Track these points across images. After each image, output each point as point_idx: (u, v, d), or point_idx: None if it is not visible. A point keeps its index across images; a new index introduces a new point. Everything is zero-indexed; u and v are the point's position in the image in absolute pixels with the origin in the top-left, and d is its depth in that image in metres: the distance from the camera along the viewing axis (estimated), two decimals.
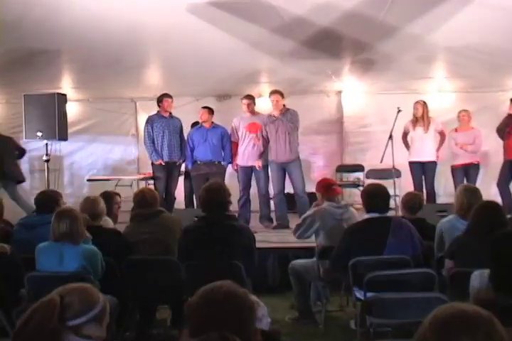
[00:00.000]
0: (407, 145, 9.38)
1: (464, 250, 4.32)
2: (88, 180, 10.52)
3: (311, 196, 8.69)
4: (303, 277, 5.73)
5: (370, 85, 10.65)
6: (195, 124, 9.56)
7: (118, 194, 6.21)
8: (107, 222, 5.56)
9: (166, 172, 9.02)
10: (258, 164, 8.76)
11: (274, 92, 8.58)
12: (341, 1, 6.39)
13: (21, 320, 2.24)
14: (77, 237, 4.48)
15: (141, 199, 5.37)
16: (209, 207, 4.87)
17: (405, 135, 9.36)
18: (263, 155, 8.79)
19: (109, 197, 5.85)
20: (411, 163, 9.25)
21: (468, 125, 9.44)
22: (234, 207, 7.73)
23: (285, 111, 8.53)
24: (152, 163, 9.09)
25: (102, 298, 2.36)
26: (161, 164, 8.93)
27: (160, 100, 9.03)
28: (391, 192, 5.15)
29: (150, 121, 9.07)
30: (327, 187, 5.78)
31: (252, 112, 8.99)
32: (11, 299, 4.33)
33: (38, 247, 4.54)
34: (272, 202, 8.98)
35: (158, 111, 9.12)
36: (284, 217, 8.74)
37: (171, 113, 9.13)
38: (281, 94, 8.53)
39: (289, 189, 9.03)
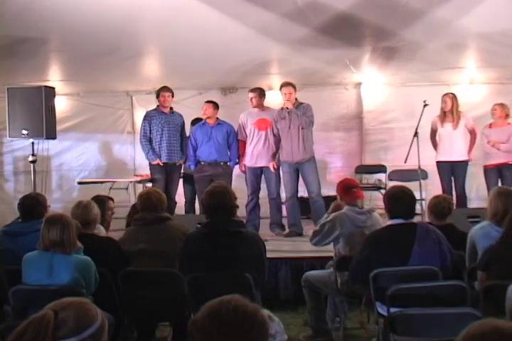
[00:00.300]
0: (435, 145, 9.33)
1: (499, 260, 4.32)
2: (79, 183, 10.56)
3: (327, 200, 8.72)
4: (318, 290, 5.73)
5: (393, 76, 10.63)
6: (196, 121, 9.57)
7: (111, 198, 6.23)
8: (100, 230, 5.57)
9: (166, 174, 9.05)
10: (273, 165, 8.76)
11: (285, 84, 8.59)
12: None
13: (10, 338, 2.23)
14: (69, 246, 4.48)
15: (146, 200, 5.37)
16: (213, 213, 4.86)
17: (434, 133, 9.30)
18: (275, 155, 8.79)
19: (101, 201, 5.85)
20: (439, 163, 9.22)
21: (503, 120, 9.36)
22: (241, 212, 7.78)
23: (298, 105, 8.55)
24: (150, 164, 9.12)
25: (100, 314, 2.36)
26: (158, 164, 8.96)
27: (158, 94, 9.09)
28: (417, 195, 5.13)
29: (148, 117, 9.10)
30: (347, 190, 5.77)
31: (261, 107, 9.00)
32: None
33: (26, 257, 4.55)
34: (283, 207, 8.99)
35: (157, 106, 9.16)
36: (297, 224, 8.75)
37: (171, 108, 9.18)
38: (294, 87, 8.55)
39: (302, 192, 9.04)
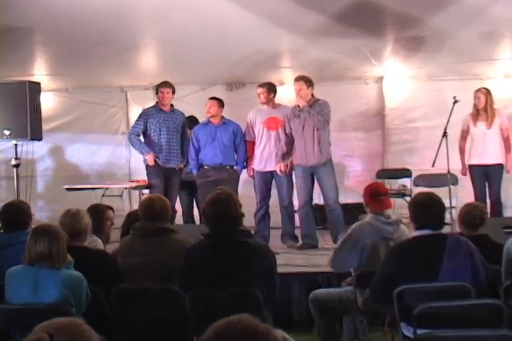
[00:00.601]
0: (462, 149, 9.27)
1: None
2: (67, 190, 10.54)
3: (345, 208, 8.73)
4: (330, 311, 5.70)
5: (419, 70, 10.62)
6: (191, 120, 9.56)
7: (110, 207, 6.19)
8: (97, 243, 5.57)
9: (164, 180, 9.06)
10: (280, 168, 8.76)
11: (296, 79, 8.62)
12: None
13: None
14: (58, 260, 4.47)
15: (148, 208, 5.32)
16: (216, 223, 4.84)
17: (464, 134, 9.25)
18: (286, 156, 8.79)
19: (99, 211, 5.85)
20: (471, 167, 9.21)
21: None
22: (249, 221, 7.78)
23: (313, 102, 8.55)
24: (147, 168, 9.12)
25: (95, 336, 2.38)
26: (155, 161, 8.94)
27: (157, 90, 9.13)
28: (446, 203, 5.14)
29: (144, 115, 9.12)
30: (375, 197, 5.73)
31: (271, 104, 9.01)
32: None
33: (9, 272, 4.54)
34: (296, 216, 8.99)
35: (156, 104, 9.20)
36: (311, 235, 8.76)
37: (172, 106, 9.20)
38: (307, 81, 8.56)
39: (317, 199, 9.04)
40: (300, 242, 8.79)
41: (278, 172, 8.76)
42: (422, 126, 10.92)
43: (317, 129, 8.48)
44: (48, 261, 4.45)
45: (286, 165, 8.76)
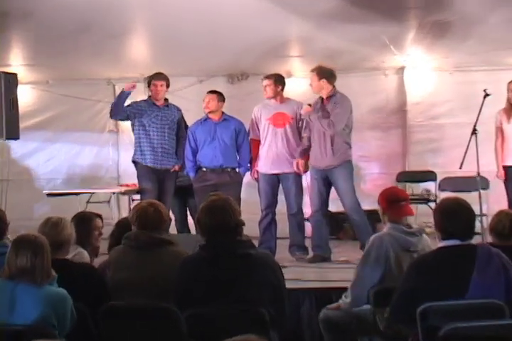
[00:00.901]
0: (498, 149, 9.21)
1: None
2: (48, 195, 10.55)
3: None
4: (342, 331, 5.69)
5: (445, 59, 10.64)
6: None
7: (99, 215, 6.17)
8: (82, 256, 5.58)
9: (157, 183, 9.07)
10: (297, 164, 8.76)
11: (312, 70, 8.62)
12: None
13: None
14: (40, 275, 4.44)
15: (142, 216, 5.31)
16: (213, 234, 4.83)
17: (499, 134, 9.21)
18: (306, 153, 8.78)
19: (85, 220, 5.85)
20: (506, 169, 9.17)
21: None
22: (254, 230, 7.80)
23: (330, 96, 8.54)
24: (138, 169, 9.12)
25: None
26: (147, 170, 8.95)
27: (149, 83, 9.13)
28: (476, 209, 5.13)
29: (132, 107, 9.11)
30: (393, 203, 5.71)
31: (278, 98, 9.00)
32: None
33: None
34: (307, 225, 8.98)
35: (149, 98, 9.22)
36: (323, 246, 8.74)
37: (166, 100, 9.21)
38: (318, 73, 8.52)
39: (336, 206, 9.03)
40: (311, 254, 8.79)
41: (295, 169, 8.78)
42: (448, 123, 10.95)
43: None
44: (29, 276, 4.42)
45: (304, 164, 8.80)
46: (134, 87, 8.92)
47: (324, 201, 8.74)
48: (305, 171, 8.85)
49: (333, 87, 8.57)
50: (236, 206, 4.96)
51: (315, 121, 8.48)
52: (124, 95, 8.95)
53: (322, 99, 8.59)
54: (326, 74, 8.55)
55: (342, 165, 8.55)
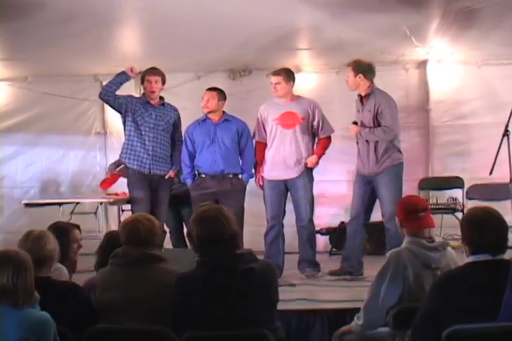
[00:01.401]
0: None
1: None
2: (27, 205, 10.53)
3: (379, 228, 8.73)
4: None
5: (472, 52, 10.65)
6: None
7: (77, 226, 6.20)
8: (61, 272, 5.56)
9: (150, 192, 9.05)
10: (312, 161, 8.85)
11: (348, 64, 8.69)
12: None
13: None
14: (22, 297, 4.41)
15: (131, 231, 5.31)
16: (207, 248, 4.82)
17: None
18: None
19: (62, 231, 5.85)
20: None
21: None
22: (258, 245, 7.78)
23: (368, 94, 8.54)
24: (128, 177, 9.10)
25: None
26: (139, 177, 8.96)
27: (142, 79, 9.10)
28: (508, 221, 5.11)
29: (132, 99, 9.12)
30: (411, 214, 5.69)
31: (288, 96, 9.01)
32: None
33: None
34: (319, 237, 8.98)
35: (142, 95, 9.20)
36: (353, 259, 8.70)
37: (162, 98, 9.20)
38: (354, 69, 8.56)
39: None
40: (322, 271, 8.83)
41: (309, 165, 8.86)
42: (476, 123, 10.96)
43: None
44: (9, 298, 4.40)
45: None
46: (132, 71, 8.89)
47: (362, 208, 8.71)
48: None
49: (372, 83, 8.60)
50: (231, 215, 4.93)
51: (366, 135, 8.51)
52: (123, 75, 8.90)
53: (360, 96, 8.62)
54: (363, 69, 8.58)
55: (387, 170, 8.53)
